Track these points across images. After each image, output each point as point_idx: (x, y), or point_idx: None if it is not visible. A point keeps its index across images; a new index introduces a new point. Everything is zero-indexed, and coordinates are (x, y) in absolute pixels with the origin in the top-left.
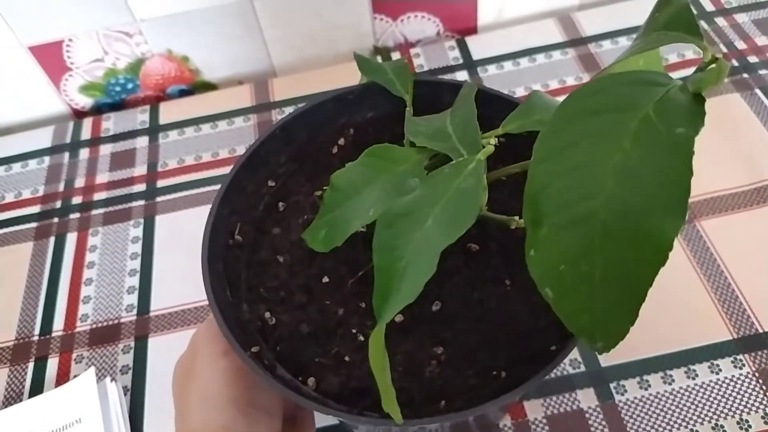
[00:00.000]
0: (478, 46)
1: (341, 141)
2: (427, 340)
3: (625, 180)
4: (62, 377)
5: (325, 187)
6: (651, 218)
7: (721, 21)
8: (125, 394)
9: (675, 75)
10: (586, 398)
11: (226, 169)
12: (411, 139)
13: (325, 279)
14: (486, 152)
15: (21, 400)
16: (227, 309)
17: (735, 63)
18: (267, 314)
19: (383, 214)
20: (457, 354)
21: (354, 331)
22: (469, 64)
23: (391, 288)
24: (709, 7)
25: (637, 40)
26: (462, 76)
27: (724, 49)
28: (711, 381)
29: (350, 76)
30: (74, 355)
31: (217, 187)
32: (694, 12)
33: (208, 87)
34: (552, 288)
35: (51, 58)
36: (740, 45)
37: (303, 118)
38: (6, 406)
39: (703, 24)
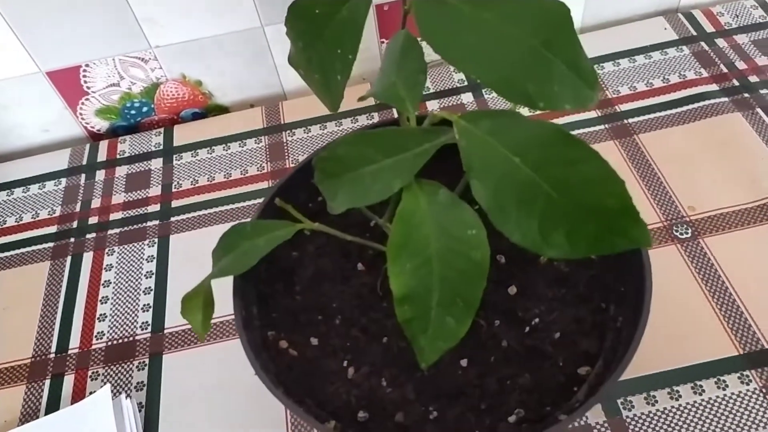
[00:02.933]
0: None
1: None
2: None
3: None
4: (78, 394)
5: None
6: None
7: (721, 42)
8: (140, 411)
9: (676, 95)
10: (594, 414)
11: (239, 190)
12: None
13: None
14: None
15: (37, 417)
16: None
17: (736, 83)
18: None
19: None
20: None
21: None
22: (474, 86)
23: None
24: (709, 29)
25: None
26: (467, 98)
27: (725, 70)
28: (718, 397)
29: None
30: (90, 372)
31: (231, 206)
32: (694, 33)
33: (221, 110)
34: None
35: (69, 83)
36: (741, 65)
37: None
38: (22, 423)
39: (703, 45)
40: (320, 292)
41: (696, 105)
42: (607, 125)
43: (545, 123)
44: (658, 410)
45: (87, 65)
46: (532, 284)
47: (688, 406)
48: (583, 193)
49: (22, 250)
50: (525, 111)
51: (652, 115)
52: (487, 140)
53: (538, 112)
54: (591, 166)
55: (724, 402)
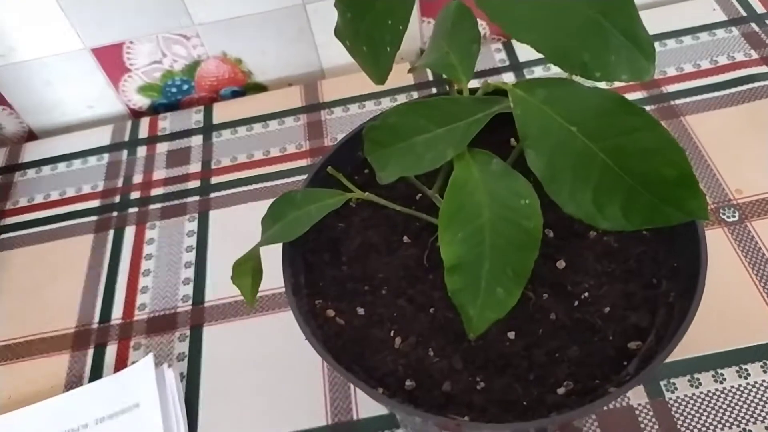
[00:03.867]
0: (525, 49)
1: None
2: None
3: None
4: (121, 363)
5: None
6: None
7: None
8: (181, 380)
9: (724, 77)
10: (636, 395)
11: (277, 167)
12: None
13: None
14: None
15: (81, 385)
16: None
17: None
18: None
19: None
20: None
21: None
22: (516, 65)
23: None
24: (760, 9)
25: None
26: (509, 78)
27: None
28: (764, 381)
29: (397, 78)
30: (132, 343)
31: (269, 184)
32: (744, 14)
33: (260, 88)
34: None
35: (112, 60)
36: None
37: None
38: (68, 389)
39: (753, 26)
40: (366, 263)
41: (745, 87)
42: (653, 106)
43: (603, 90)
44: (702, 393)
45: (131, 42)
46: (581, 259)
47: (733, 389)
48: (641, 162)
49: (66, 223)
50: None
51: (699, 97)
52: (542, 109)
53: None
54: (650, 134)
55: None
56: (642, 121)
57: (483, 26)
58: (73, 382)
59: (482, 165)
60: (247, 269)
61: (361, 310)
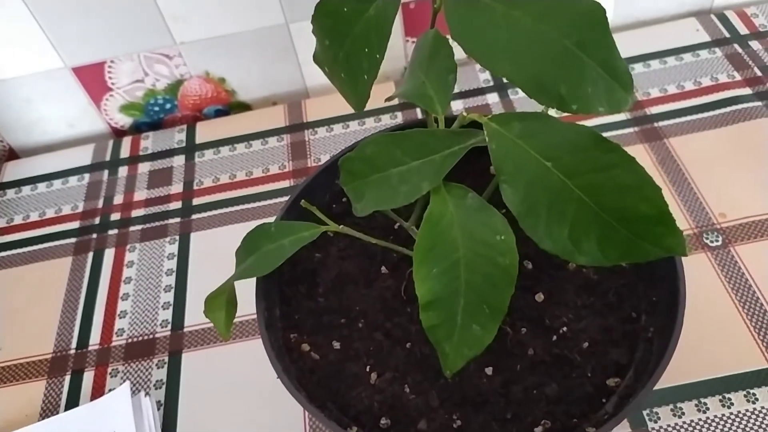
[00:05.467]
0: None
1: None
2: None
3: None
4: (98, 390)
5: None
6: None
7: (755, 44)
8: (158, 409)
9: (708, 98)
10: (619, 426)
11: (260, 188)
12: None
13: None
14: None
15: (57, 413)
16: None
17: None
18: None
19: None
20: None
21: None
22: (500, 86)
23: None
24: (743, 30)
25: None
26: (493, 98)
27: (759, 73)
28: (747, 410)
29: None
30: (110, 369)
31: (252, 205)
32: (727, 35)
33: (243, 107)
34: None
35: (93, 79)
36: None
37: None
38: (43, 417)
39: (736, 47)
40: (343, 295)
41: (728, 109)
42: (636, 128)
43: (578, 126)
44: (684, 422)
45: (112, 61)
46: (560, 291)
47: (716, 419)
48: (617, 199)
49: (45, 245)
50: (553, 112)
51: (682, 119)
52: (517, 144)
53: (566, 114)
54: (626, 171)
55: (753, 416)
56: (618, 158)
57: None
58: (48, 409)
59: (458, 199)
60: (221, 302)
61: (337, 344)
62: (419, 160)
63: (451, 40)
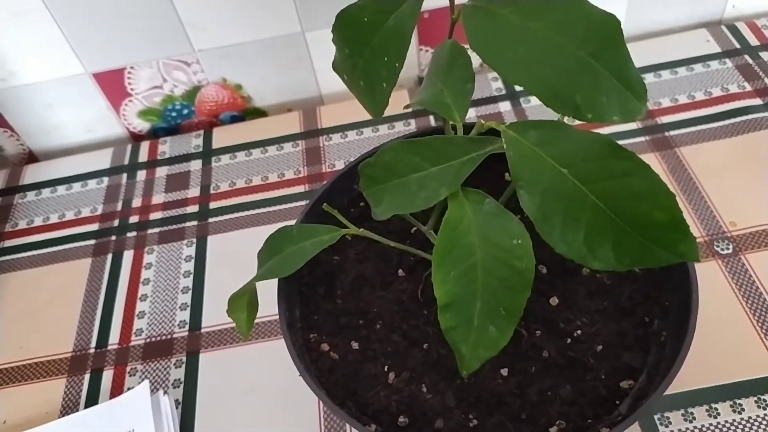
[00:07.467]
0: None
1: None
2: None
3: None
4: (116, 389)
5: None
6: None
7: (765, 55)
8: (177, 407)
9: (719, 108)
10: (630, 429)
11: (276, 193)
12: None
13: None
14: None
15: (77, 410)
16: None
17: None
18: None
19: None
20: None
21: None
22: (512, 94)
23: None
24: (753, 42)
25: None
26: (505, 107)
27: None
28: (758, 416)
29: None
30: (128, 368)
31: (267, 209)
32: (738, 46)
33: (259, 113)
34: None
35: (113, 85)
36: None
37: None
38: (63, 415)
39: (747, 58)
40: (361, 297)
41: (739, 119)
42: (647, 137)
43: (594, 134)
44: (695, 427)
45: (132, 67)
46: (574, 296)
47: (727, 425)
48: (632, 205)
49: (65, 246)
50: (568, 120)
51: (693, 128)
52: (534, 151)
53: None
54: (640, 178)
55: (764, 422)
56: (632, 165)
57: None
58: (68, 407)
59: (475, 205)
60: (243, 303)
61: (355, 345)
62: (438, 166)
63: (468, 50)
